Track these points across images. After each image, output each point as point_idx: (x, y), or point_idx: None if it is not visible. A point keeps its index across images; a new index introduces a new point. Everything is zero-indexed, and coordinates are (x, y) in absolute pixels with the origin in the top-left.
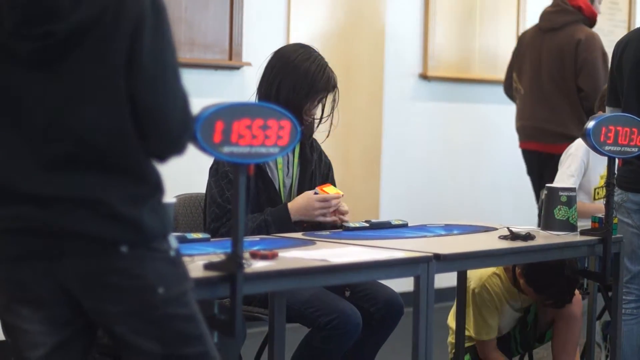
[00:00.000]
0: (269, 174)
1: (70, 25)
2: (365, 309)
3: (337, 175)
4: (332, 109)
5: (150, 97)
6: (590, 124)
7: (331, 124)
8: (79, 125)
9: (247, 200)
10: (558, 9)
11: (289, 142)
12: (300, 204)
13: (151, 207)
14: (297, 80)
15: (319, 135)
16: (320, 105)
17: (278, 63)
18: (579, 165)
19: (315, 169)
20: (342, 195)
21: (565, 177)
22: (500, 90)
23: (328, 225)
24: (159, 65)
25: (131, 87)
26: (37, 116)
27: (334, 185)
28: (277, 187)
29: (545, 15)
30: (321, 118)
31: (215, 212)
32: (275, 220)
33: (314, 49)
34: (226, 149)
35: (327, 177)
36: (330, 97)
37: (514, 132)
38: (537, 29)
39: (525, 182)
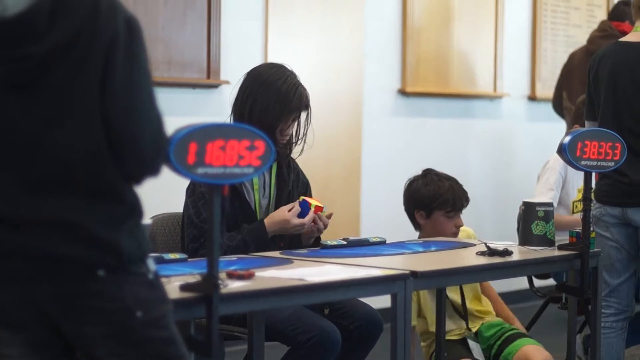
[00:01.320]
0: (246, 195)
1: (46, 48)
2: (344, 326)
3: (317, 191)
4: (306, 128)
5: (123, 119)
6: (566, 139)
7: (304, 143)
8: (55, 148)
9: (223, 220)
10: (605, 34)
11: (263, 163)
12: (275, 220)
13: (128, 229)
14: (270, 100)
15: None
16: (295, 125)
17: (251, 83)
18: (557, 179)
19: (292, 189)
20: (324, 207)
21: (544, 190)
22: (479, 105)
23: (306, 242)
24: (132, 87)
25: (105, 109)
26: (12, 139)
27: None
28: (253, 207)
29: (593, 39)
30: (297, 137)
31: (194, 232)
32: (253, 239)
33: (287, 68)
34: (200, 170)
35: (305, 196)
36: (303, 116)
37: (493, 146)
38: (585, 51)
39: (505, 197)
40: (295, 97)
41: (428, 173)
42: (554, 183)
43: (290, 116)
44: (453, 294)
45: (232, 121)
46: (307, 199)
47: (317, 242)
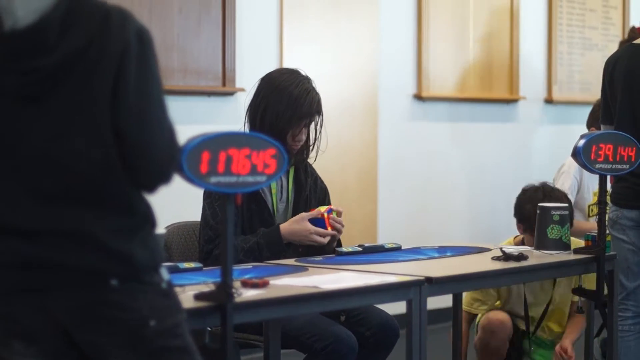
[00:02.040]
0: (263, 198)
1: (56, 60)
2: (360, 333)
3: (333, 198)
4: (318, 133)
5: (136, 130)
6: (581, 142)
7: (317, 148)
8: (66, 159)
9: (241, 223)
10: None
11: (276, 171)
12: (294, 229)
13: (141, 239)
14: (281, 105)
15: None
16: (306, 130)
17: (264, 88)
18: (572, 183)
19: (310, 193)
20: (341, 210)
21: None
22: (495, 109)
23: (323, 250)
24: (144, 98)
25: (117, 119)
26: (24, 150)
27: None
28: (271, 211)
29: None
30: (313, 142)
31: (209, 234)
32: (267, 242)
33: (300, 73)
34: (213, 179)
35: (324, 202)
36: (316, 121)
37: (510, 150)
38: None
39: None
40: (306, 102)
41: (538, 188)
42: (569, 188)
43: (302, 121)
44: (536, 308)
45: (246, 126)
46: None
47: (337, 244)
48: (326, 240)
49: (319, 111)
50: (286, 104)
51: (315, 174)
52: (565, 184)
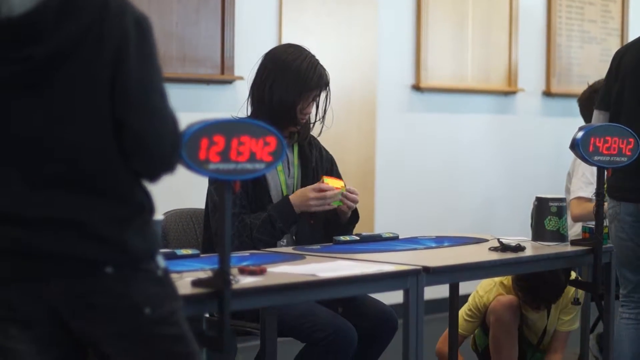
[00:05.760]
0: (268, 178)
1: (52, 48)
2: (358, 324)
3: None
4: (325, 107)
5: (139, 119)
6: (579, 135)
7: (323, 124)
8: (63, 147)
9: (247, 201)
10: None
11: (275, 158)
12: (296, 195)
13: (136, 227)
14: (289, 79)
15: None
16: (314, 103)
17: (269, 64)
18: (593, 171)
19: (316, 166)
20: (344, 185)
21: (583, 185)
22: (494, 100)
23: (343, 218)
24: (146, 88)
25: (118, 109)
26: (21, 137)
27: (340, 179)
28: (279, 189)
29: None
30: (316, 117)
31: None
32: (279, 212)
33: (304, 48)
34: (212, 166)
35: (331, 172)
36: (323, 96)
37: (507, 142)
38: None
39: (520, 192)
40: (315, 75)
41: None
42: (592, 175)
43: (311, 94)
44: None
45: (250, 105)
46: (327, 178)
47: (355, 217)
48: (328, 205)
49: (327, 84)
50: (294, 78)
51: (319, 145)
52: (587, 173)
